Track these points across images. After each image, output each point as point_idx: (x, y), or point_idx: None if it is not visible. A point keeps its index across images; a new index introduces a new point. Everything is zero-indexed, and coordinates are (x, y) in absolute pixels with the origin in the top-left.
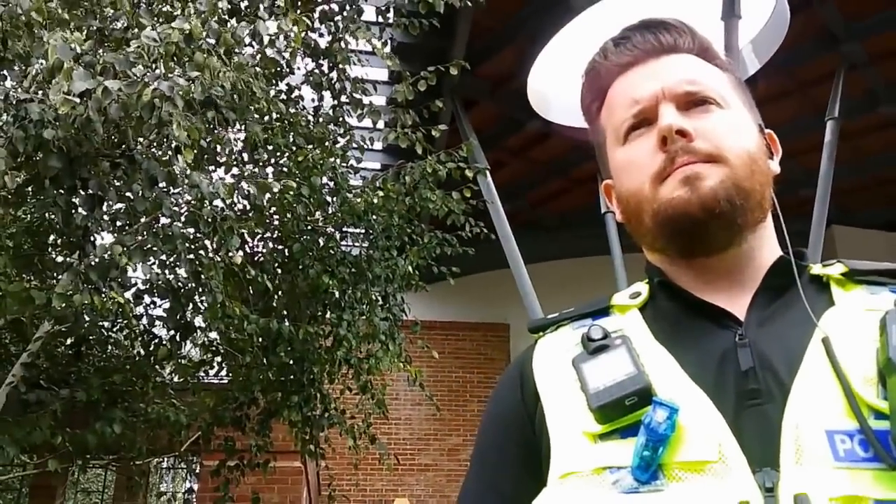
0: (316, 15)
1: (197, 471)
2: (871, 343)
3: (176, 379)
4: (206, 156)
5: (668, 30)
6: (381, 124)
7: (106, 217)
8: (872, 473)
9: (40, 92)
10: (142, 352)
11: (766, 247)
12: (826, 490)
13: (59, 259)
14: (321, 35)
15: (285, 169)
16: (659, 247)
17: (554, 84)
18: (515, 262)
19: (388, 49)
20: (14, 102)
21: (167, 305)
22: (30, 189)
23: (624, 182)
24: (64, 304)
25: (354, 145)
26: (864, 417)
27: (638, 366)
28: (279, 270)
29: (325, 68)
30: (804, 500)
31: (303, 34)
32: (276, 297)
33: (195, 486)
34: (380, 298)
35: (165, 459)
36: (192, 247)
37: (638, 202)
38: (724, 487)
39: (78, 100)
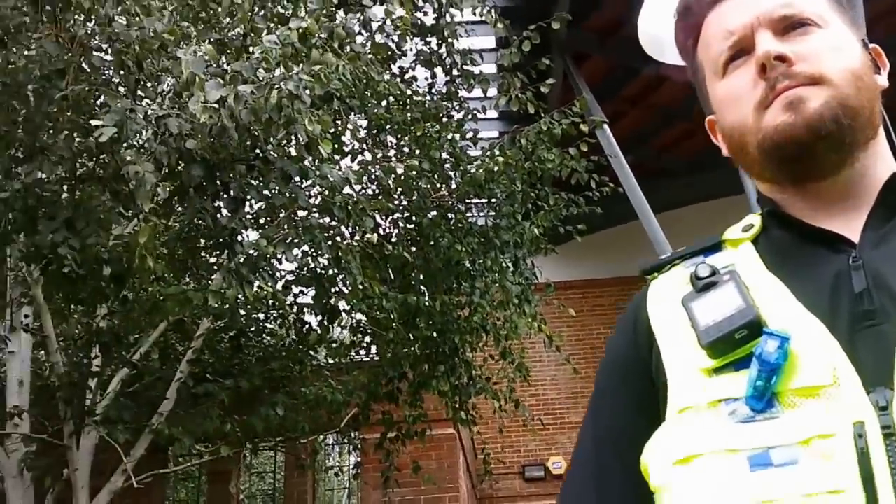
0: None
1: (359, 445)
2: None
3: (330, 361)
4: (333, 146)
5: None
6: (492, 91)
7: (249, 216)
8: None
9: (175, 107)
10: (295, 339)
11: (880, 164)
12: None
13: (212, 260)
14: (425, 13)
15: (406, 149)
16: (768, 176)
17: (666, 23)
18: (644, 212)
19: (493, 15)
20: (153, 120)
21: (313, 293)
22: (175, 198)
23: (727, 115)
24: (219, 301)
25: (470, 117)
26: None
27: (746, 299)
28: (412, 247)
29: (433, 45)
30: None
31: (409, 15)
32: (412, 272)
33: (360, 459)
34: (510, 265)
35: (328, 436)
36: (330, 234)
37: (742, 134)
38: (838, 409)
39: (217, 106)
